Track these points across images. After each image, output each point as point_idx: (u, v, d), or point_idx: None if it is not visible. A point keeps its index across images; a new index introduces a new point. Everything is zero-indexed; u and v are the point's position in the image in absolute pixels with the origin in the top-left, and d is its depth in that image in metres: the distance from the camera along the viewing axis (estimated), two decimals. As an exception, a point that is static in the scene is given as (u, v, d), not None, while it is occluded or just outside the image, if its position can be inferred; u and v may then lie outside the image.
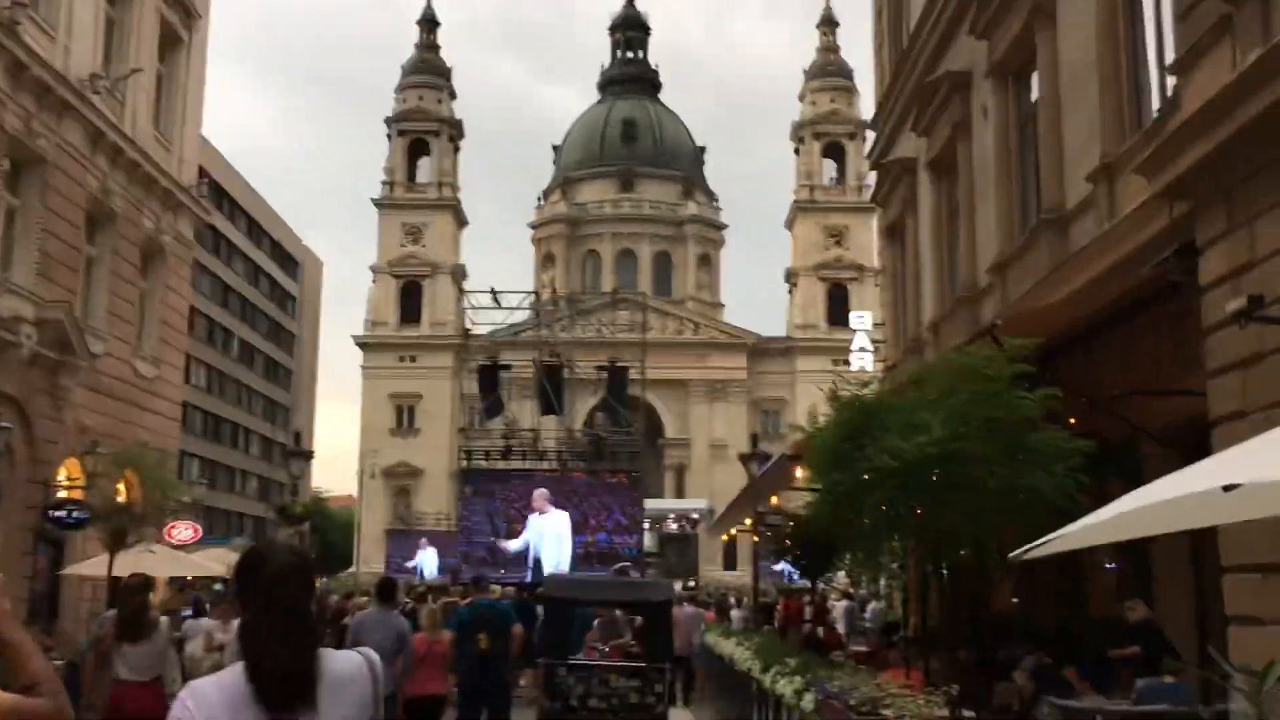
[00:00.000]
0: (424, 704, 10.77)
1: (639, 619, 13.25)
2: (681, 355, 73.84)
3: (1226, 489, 4.12)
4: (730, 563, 66.47)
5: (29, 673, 2.93)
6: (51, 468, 18.51)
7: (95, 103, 19.45)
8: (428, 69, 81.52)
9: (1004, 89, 14.93)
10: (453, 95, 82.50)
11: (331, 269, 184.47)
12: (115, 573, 16.98)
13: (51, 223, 18.64)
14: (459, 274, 76.98)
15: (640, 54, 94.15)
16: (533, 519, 27.32)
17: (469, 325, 38.89)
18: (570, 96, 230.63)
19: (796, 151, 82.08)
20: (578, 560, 26.90)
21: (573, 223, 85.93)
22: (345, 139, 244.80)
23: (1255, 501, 4.41)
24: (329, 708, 2.86)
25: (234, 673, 2.88)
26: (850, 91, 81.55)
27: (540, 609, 14.21)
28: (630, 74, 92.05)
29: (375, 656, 3.12)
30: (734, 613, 21.35)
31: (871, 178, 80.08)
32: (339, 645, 13.17)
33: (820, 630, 18.00)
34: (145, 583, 9.37)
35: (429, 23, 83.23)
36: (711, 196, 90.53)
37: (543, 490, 27.70)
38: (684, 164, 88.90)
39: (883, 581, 25.82)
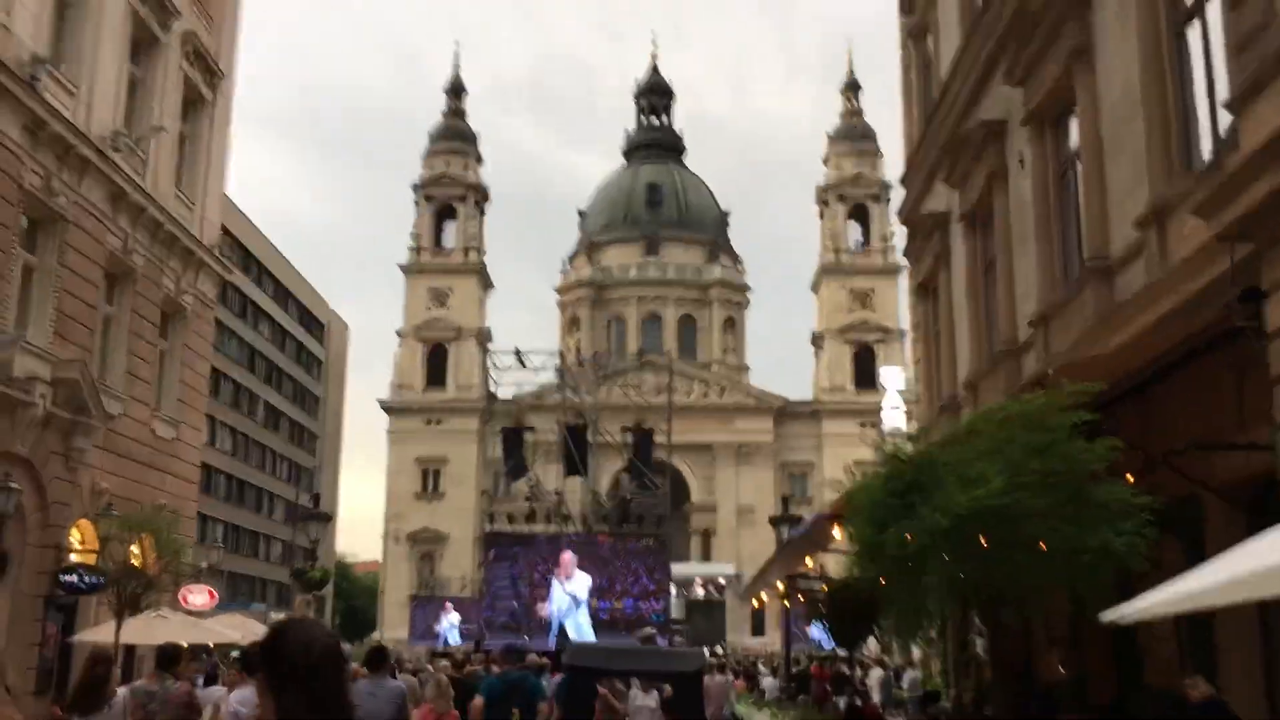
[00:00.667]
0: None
1: (667, 689, 12.59)
2: (707, 419, 73.29)
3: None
4: (758, 629, 65.31)
5: None
6: (64, 531, 18.07)
7: (117, 160, 19.27)
8: (454, 135, 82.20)
9: (1041, 136, 14.47)
10: (479, 160, 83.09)
11: (358, 333, 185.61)
12: (127, 639, 16.47)
13: (69, 281, 18.37)
14: (484, 337, 76.84)
15: (664, 119, 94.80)
16: (556, 584, 26.63)
17: (493, 387, 38.51)
18: (594, 161, 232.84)
19: (821, 214, 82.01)
20: (602, 627, 26.16)
21: (598, 287, 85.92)
22: (373, 205, 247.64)
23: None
24: None
25: None
26: (874, 154, 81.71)
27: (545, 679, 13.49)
28: (654, 139, 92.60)
29: None
30: (766, 681, 20.51)
31: (897, 240, 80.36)
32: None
33: (858, 701, 17.20)
34: (108, 656, 8.90)
35: (456, 90, 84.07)
36: (736, 259, 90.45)
37: (570, 555, 27.05)
38: (708, 227, 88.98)
39: (915, 649, 24.93)
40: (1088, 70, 12.84)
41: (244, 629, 19.60)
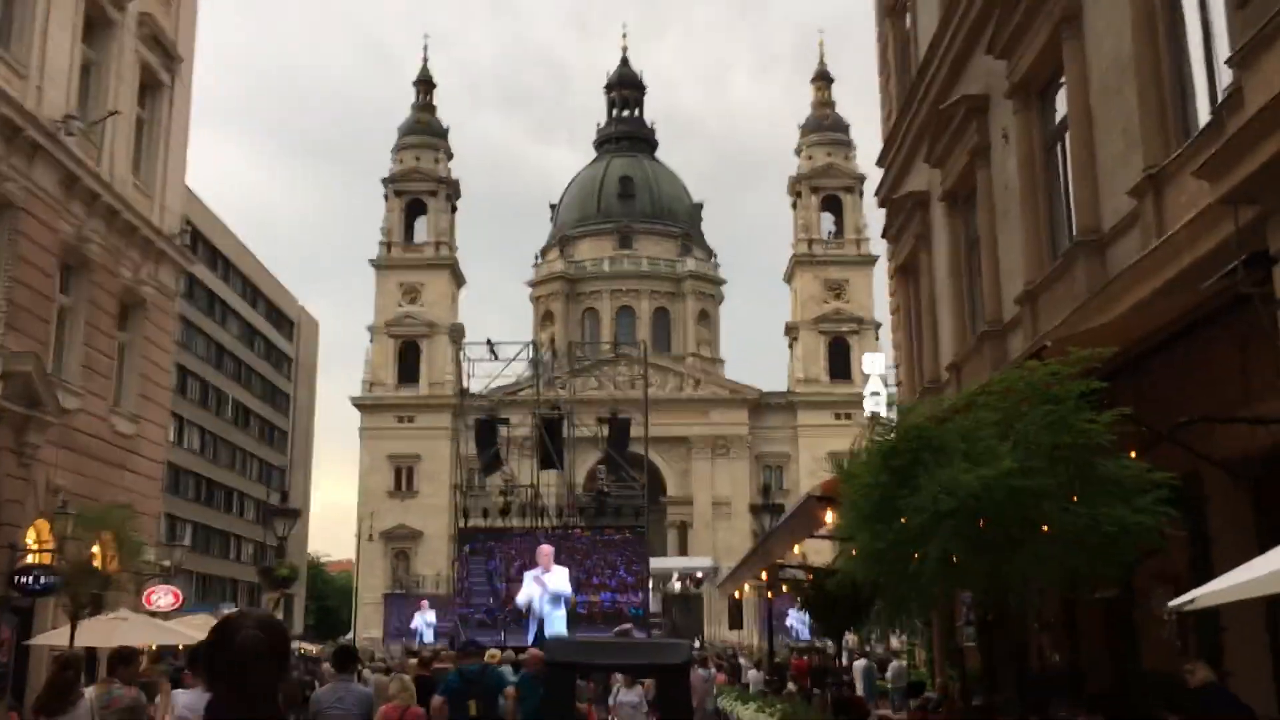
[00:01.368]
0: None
1: (648, 685, 12.13)
2: (682, 412, 72.95)
3: None
4: (736, 621, 64.91)
5: None
6: (18, 530, 17.34)
7: (69, 145, 18.55)
8: (424, 129, 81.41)
9: (1027, 109, 14.07)
10: (449, 155, 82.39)
11: (329, 330, 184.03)
12: (84, 642, 15.83)
13: (21, 270, 17.63)
14: (457, 333, 76.09)
15: (636, 112, 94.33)
16: (529, 576, 26.03)
17: (466, 381, 37.89)
18: (565, 156, 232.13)
19: (794, 206, 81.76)
20: (579, 621, 25.63)
21: (571, 280, 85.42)
22: (341, 201, 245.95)
23: None
24: None
25: None
26: (847, 145, 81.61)
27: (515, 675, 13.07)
28: (626, 132, 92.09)
29: None
30: (750, 674, 20.02)
31: (871, 231, 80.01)
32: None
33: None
34: (78, 658, 8.51)
35: (425, 84, 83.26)
36: (709, 252, 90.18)
37: (549, 547, 26.47)
38: (681, 220, 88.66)
39: (894, 639, 24.58)
40: (1076, 37, 12.43)
41: (207, 630, 18.96)
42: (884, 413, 23.01)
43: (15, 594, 16.77)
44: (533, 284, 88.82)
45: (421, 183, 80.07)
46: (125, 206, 20.75)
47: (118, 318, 21.34)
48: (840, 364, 76.37)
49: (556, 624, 24.84)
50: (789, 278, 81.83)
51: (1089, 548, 6.13)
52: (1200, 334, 9.53)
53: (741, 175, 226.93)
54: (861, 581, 7.15)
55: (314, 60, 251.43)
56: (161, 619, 20.29)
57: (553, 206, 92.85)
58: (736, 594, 24.51)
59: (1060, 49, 12.75)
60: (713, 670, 21.39)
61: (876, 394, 24.45)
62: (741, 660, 26.97)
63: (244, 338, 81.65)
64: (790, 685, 18.09)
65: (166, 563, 23.63)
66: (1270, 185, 7.74)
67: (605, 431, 30.83)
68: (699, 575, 56.08)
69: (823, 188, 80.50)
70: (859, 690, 20.02)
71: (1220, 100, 9.33)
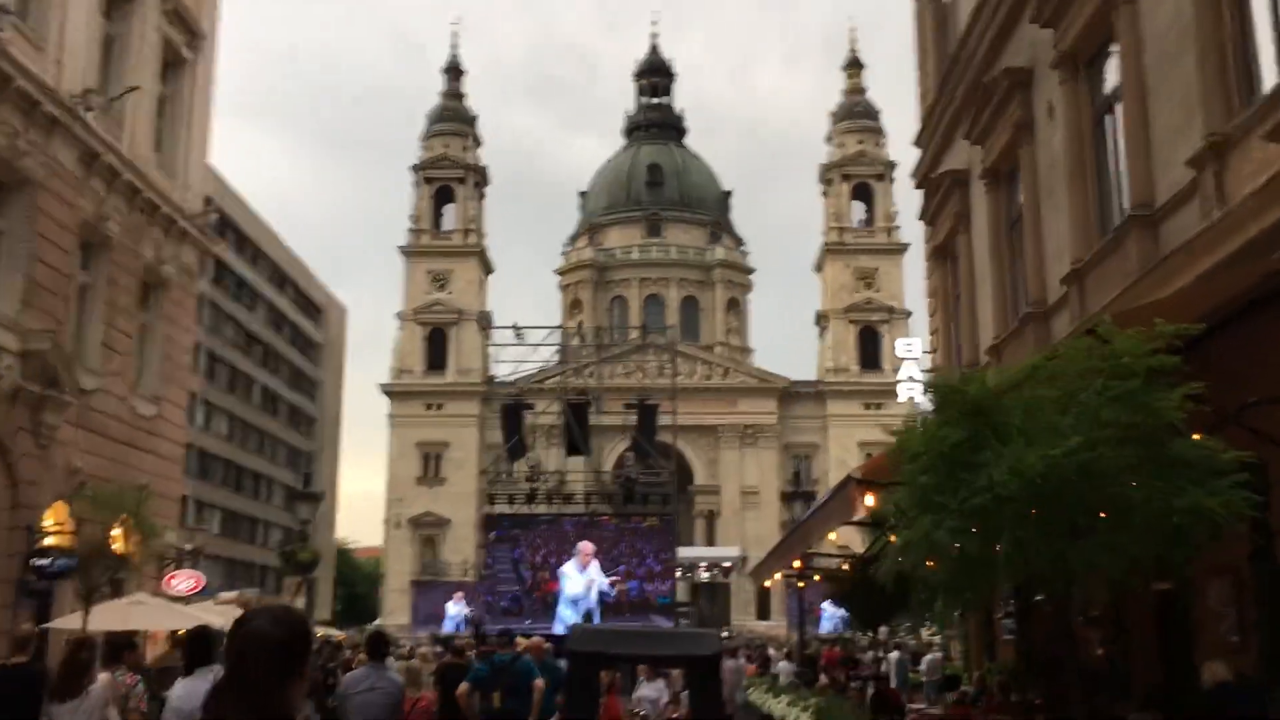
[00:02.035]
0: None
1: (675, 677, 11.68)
2: (711, 400, 72.38)
3: None
4: (764, 612, 64.55)
5: None
6: (35, 512, 17.04)
7: (89, 121, 18.21)
8: (453, 116, 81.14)
9: (1074, 80, 13.46)
10: (478, 142, 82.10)
11: (358, 319, 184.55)
12: (100, 626, 15.50)
13: (40, 248, 17.30)
14: (485, 320, 75.77)
15: (665, 99, 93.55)
16: (568, 569, 25.62)
17: (493, 367, 37.58)
18: (593, 145, 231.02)
19: (824, 194, 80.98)
20: (606, 610, 25.24)
21: (599, 268, 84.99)
22: (371, 189, 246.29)
23: None
24: None
25: None
26: (878, 133, 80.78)
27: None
28: (655, 119, 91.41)
29: None
30: (781, 665, 19.51)
31: (902, 219, 79.04)
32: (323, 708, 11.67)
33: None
34: (93, 641, 8.14)
35: (454, 71, 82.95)
36: (739, 240, 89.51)
37: (589, 545, 26.02)
38: (710, 208, 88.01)
39: (924, 632, 24.01)
40: (1129, 2, 11.82)
41: (226, 615, 18.63)
42: (919, 400, 22.40)
43: (32, 577, 16.48)
44: (561, 272, 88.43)
45: (450, 169, 79.83)
46: (146, 185, 20.41)
47: (139, 297, 21.03)
48: (870, 353, 75.69)
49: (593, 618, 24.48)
50: (819, 266, 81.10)
51: (1161, 534, 5.59)
52: (1268, 309, 8.95)
53: (770, 165, 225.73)
54: (912, 570, 6.59)
55: (343, 50, 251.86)
56: (182, 603, 20.04)
57: (581, 194, 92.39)
58: (768, 583, 24.00)
59: (1111, 15, 12.16)
60: (742, 660, 20.91)
61: (912, 379, 23.82)
62: (771, 651, 26.45)
63: (272, 323, 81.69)
64: (823, 678, 17.58)
65: (188, 546, 23.36)
66: (1348, 147, 7.17)
67: (633, 418, 30.42)
68: (726, 565, 55.57)
69: (854, 175, 79.68)
70: (893, 683, 19.48)
71: (1290, 61, 8.76)
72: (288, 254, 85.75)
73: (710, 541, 70.39)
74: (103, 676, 8.82)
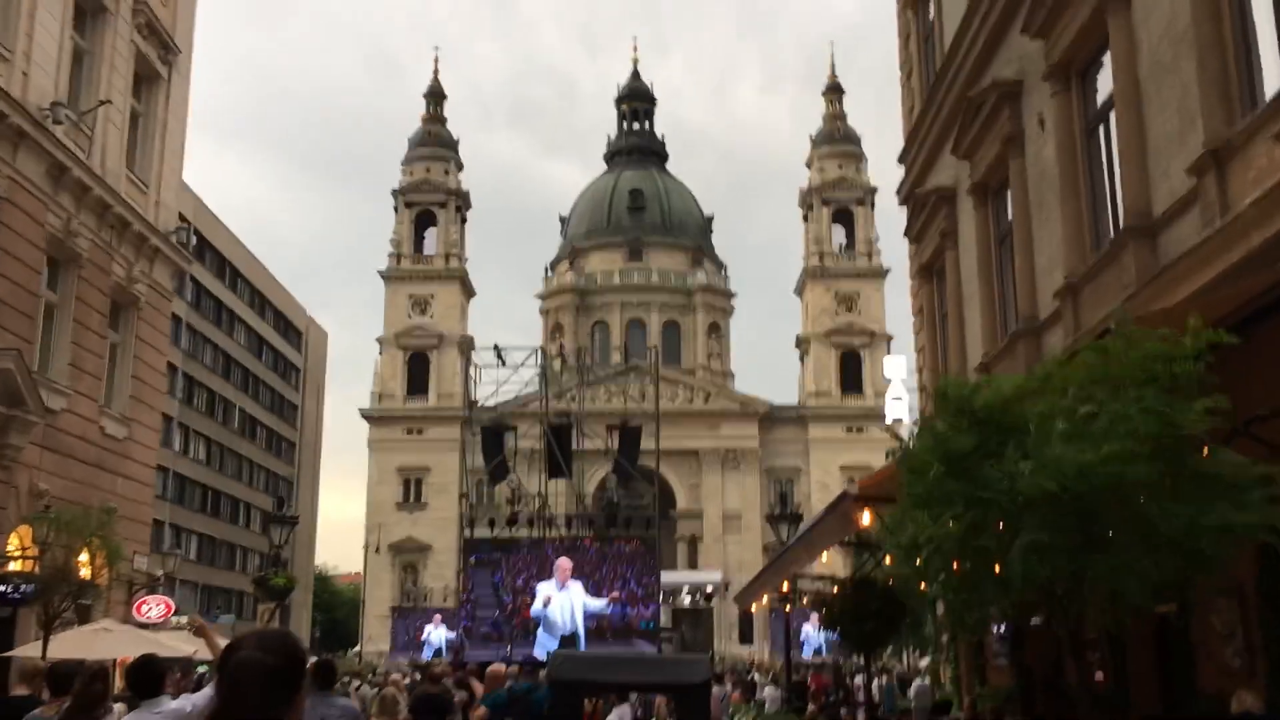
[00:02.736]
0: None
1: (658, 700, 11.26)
2: (692, 425, 72.11)
3: None
4: (746, 636, 64.01)
5: None
6: (-1, 535, 16.50)
7: (57, 134, 17.75)
8: (434, 141, 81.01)
9: (1066, 90, 13.22)
10: (459, 167, 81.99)
11: (337, 344, 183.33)
12: (62, 654, 14.92)
13: (4, 264, 16.82)
14: (466, 345, 75.29)
15: (646, 125, 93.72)
16: (543, 588, 25.06)
17: (474, 391, 37.08)
18: (574, 171, 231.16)
19: (805, 219, 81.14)
20: (588, 635, 24.73)
21: (581, 293, 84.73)
22: (351, 212, 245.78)
23: None
24: None
25: None
26: (858, 158, 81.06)
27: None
28: (636, 144, 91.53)
29: None
30: (767, 690, 19.01)
31: (882, 243, 79.10)
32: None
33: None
34: (105, 671, 7.69)
35: (435, 96, 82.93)
36: (720, 265, 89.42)
37: (567, 560, 25.56)
38: (692, 233, 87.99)
39: (906, 655, 23.59)
40: (1123, 11, 11.60)
41: (194, 642, 18.05)
42: (906, 419, 22.07)
43: (-7, 603, 15.90)
44: (543, 296, 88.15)
45: (432, 194, 79.68)
46: (117, 200, 19.93)
47: (109, 316, 20.51)
48: (852, 377, 75.70)
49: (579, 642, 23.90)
50: (800, 290, 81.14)
51: (1185, 552, 5.22)
52: (1274, 318, 8.64)
53: (751, 189, 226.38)
54: (910, 579, 6.18)
55: (323, 74, 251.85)
56: (153, 630, 19.46)
57: (563, 219, 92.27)
58: (754, 607, 23.59)
59: (1104, 24, 11.92)
60: (727, 687, 20.43)
61: (899, 399, 23.54)
62: (755, 676, 25.96)
63: (251, 347, 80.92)
64: (810, 705, 17.12)
65: (159, 572, 22.75)
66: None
67: (615, 441, 29.99)
68: (709, 590, 55.07)
69: (834, 200, 79.85)
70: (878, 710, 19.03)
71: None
72: (268, 277, 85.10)
73: (692, 566, 69.92)
74: (117, 707, 8.34)
